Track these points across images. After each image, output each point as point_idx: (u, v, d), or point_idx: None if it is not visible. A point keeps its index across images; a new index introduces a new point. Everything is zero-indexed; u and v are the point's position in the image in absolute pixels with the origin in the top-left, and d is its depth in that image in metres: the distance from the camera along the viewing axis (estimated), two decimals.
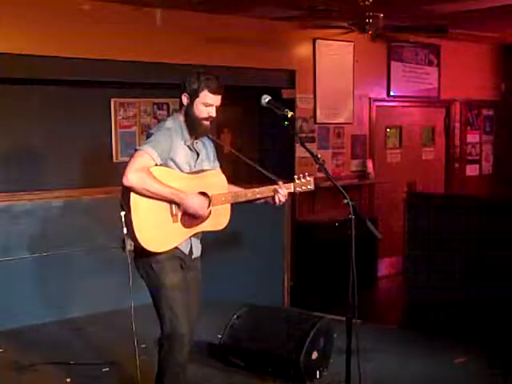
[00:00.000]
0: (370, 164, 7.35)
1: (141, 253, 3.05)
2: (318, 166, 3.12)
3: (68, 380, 4.13)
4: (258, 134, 6.92)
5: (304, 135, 6.76)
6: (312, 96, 6.86)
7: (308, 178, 3.28)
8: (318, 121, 6.93)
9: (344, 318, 2.84)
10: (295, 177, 3.27)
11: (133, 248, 3.02)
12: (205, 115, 3.08)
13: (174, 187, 2.98)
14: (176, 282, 3.09)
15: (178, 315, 3.06)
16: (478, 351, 4.55)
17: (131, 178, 2.89)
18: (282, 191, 3.18)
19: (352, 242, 2.76)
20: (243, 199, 3.22)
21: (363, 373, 2.85)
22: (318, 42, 6.80)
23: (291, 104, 6.35)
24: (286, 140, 6.28)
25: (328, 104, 7.00)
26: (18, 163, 5.44)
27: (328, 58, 6.93)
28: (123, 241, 3.01)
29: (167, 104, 6.29)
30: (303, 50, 6.78)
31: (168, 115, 6.27)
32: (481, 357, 4.46)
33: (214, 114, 3.10)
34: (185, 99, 3.10)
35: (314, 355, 4.02)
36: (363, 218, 2.85)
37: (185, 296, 3.12)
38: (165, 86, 5.94)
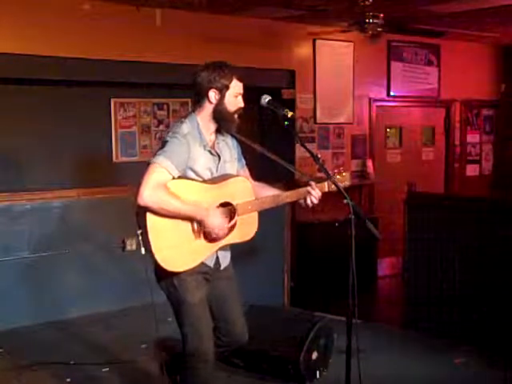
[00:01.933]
0: (369, 164, 7.35)
1: (162, 271, 2.84)
2: (317, 166, 3.07)
3: (68, 380, 4.13)
4: (258, 134, 6.91)
5: (304, 135, 6.76)
6: (312, 96, 6.86)
7: (344, 174, 3.11)
8: (318, 121, 6.94)
9: (344, 318, 2.84)
10: (330, 174, 3.04)
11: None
12: (237, 107, 2.91)
13: (193, 204, 2.77)
14: (198, 299, 2.90)
15: (201, 333, 2.90)
16: (478, 351, 4.55)
17: (146, 197, 2.68)
18: (315, 192, 2.98)
19: (352, 242, 2.74)
20: (272, 205, 3.00)
21: (363, 373, 2.85)
22: (318, 42, 6.81)
23: (291, 104, 6.36)
24: (285, 140, 6.27)
25: (328, 104, 7.00)
26: (17, 163, 5.44)
27: (328, 58, 6.94)
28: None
29: (167, 104, 6.29)
30: (303, 50, 6.78)
31: (168, 115, 6.28)
32: (481, 357, 4.46)
33: (242, 104, 2.93)
34: (213, 95, 2.87)
35: (314, 355, 4.01)
36: (363, 218, 2.84)
37: (207, 312, 2.95)
38: (165, 85, 5.95)
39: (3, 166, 5.39)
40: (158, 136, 6.24)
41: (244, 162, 3.17)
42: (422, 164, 8.07)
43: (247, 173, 3.18)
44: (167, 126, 6.29)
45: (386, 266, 7.53)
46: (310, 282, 6.40)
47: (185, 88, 6.01)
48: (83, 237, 5.62)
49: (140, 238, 2.77)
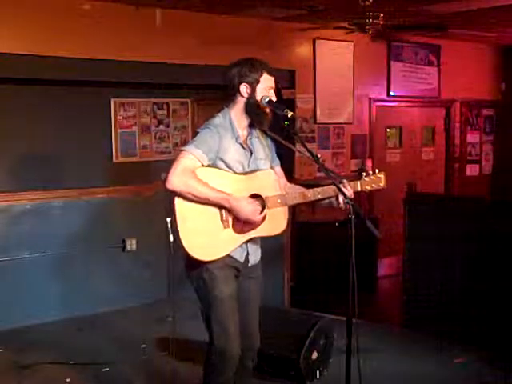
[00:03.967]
0: (369, 164, 7.34)
1: (192, 262, 2.85)
2: (318, 166, 3.06)
3: (68, 380, 4.14)
4: None
5: (304, 135, 6.76)
6: (312, 96, 6.86)
7: (379, 175, 3.04)
8: (318, 121, 6.93)
9: (344, 318, 2.84)
10: (363, 174, 3.02)
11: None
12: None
13: (222, 190, 2.79)
14: (227, 294, 2.89)
15: (229, 331, 2.88)
16: (478, 351, 4.55)
17: (174, 181, 2.71)
18: (347, 191, 2.90)
19: (352, 241, 2.74)
20: (302, 201, 2.99)
21: (363, 373, 2.85)
22: (318, 42, 6.80)
23: (291, 104, 6.35)
24: (285, 140, 6.27)
25: (328, 104, 7.00)
26: (17, 163, 5.44)
27: (328, 58, 6.93)
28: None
29: (167, 104, 6.29)
30: (303, 50, 6.78)
31: (168, 115, 6.28)
32: (481, 357, 4.46)
33: (274, 98, 2.96)
34: (245, 89, 2.93)
35: (314, 355, 4.01)
36: (363, 218, 2.83)
37: (236, 309, 2.93)
38: (165, 85, 5.95)
39: (3, 167, 5.39)
40: (158, 136, 6.24)
41: (278, 162, 3.18)
42: (422, 164, 8.07)
43: (282, 173, 3.19)
44: (167, 126, 6.30)
45: (385, 266, 7.53)
46: (310, 281, 6.40)
47: (185, 88, 6.11)
48: (83, 237, 5.63)
49: (170, 225, 2.78)
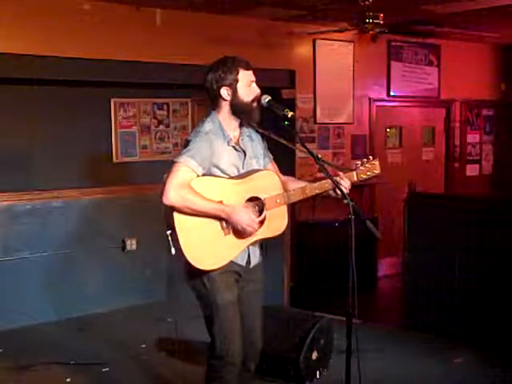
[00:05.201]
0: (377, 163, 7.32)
1: (192, 271, 2.81)
2: (318, 166, 3.05)
3: (68, 380, 4.14)
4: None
5: (304, 135, 6.75)
6: (312, 96, 6.86)
7: (374, 162, 3.01)
8: (318, 121, 6.93)
9: (344, 318, 2.84)
10: (357, 163, 3.00)
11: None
12: (252, 95, 2.90)
13: (218, 202, 2.75)
14: (229, 301, 2.87)
15: (231, 336, 2.87)
16: (478, 351, 4.55)
17: (171, 196, 2.66)
18: (344, 182, 2.91)
19: (352, 242, 2.73)
20: (301, 197, 2.94)
21: (363, 373, 2.84)
22: (318, 42, 6.80)
23: (291, 104, 6.35)
24: (286, 140, 6.26)
25: (328, 104, 7.00)
26: (18, 163, 5.44)
27: (328, 58, 6.93)
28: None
29: (167, 104, 6.29)
30: (303, 49, 6.78)
31: (168, 115, 6.28)
32: (481, 357, 4.47)
33: (258, 90, 2.93)
34: (226, 92, 2.88)
35: (314, 355, 4.02)
36: (363, 218, 2.83)
37: (238, 315, 2.91)
38: (165, 85, 5.95)
39: (4, 167, 5.38)
40: (158, 136, 6.24)
41: (271, 157, 3.14)
42: (422, 164, 8.07)
43: (275, 167, 3.15)
44: (167, 126, 6.30)
45: (386, 266, 7.53)
46: (309, 281, 6.40)
47: (185, 88, 6.10)
48: (83, 237, 5.63)
49: (170, 238, 2.74)
